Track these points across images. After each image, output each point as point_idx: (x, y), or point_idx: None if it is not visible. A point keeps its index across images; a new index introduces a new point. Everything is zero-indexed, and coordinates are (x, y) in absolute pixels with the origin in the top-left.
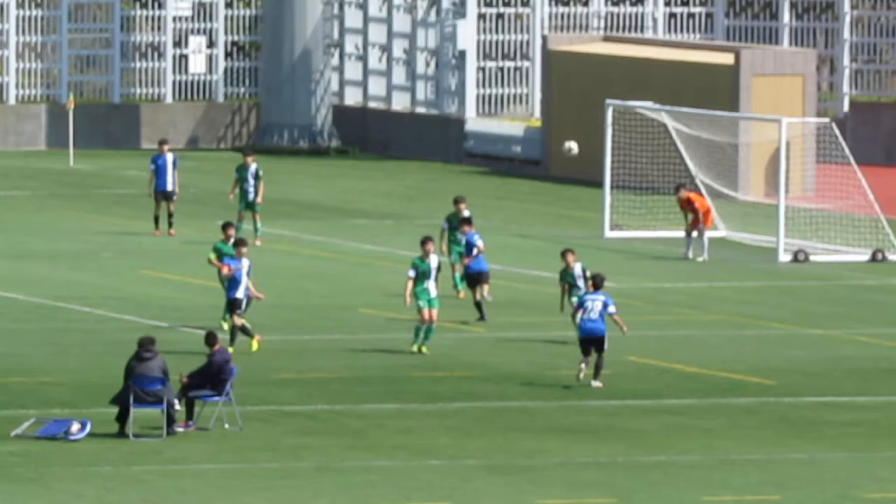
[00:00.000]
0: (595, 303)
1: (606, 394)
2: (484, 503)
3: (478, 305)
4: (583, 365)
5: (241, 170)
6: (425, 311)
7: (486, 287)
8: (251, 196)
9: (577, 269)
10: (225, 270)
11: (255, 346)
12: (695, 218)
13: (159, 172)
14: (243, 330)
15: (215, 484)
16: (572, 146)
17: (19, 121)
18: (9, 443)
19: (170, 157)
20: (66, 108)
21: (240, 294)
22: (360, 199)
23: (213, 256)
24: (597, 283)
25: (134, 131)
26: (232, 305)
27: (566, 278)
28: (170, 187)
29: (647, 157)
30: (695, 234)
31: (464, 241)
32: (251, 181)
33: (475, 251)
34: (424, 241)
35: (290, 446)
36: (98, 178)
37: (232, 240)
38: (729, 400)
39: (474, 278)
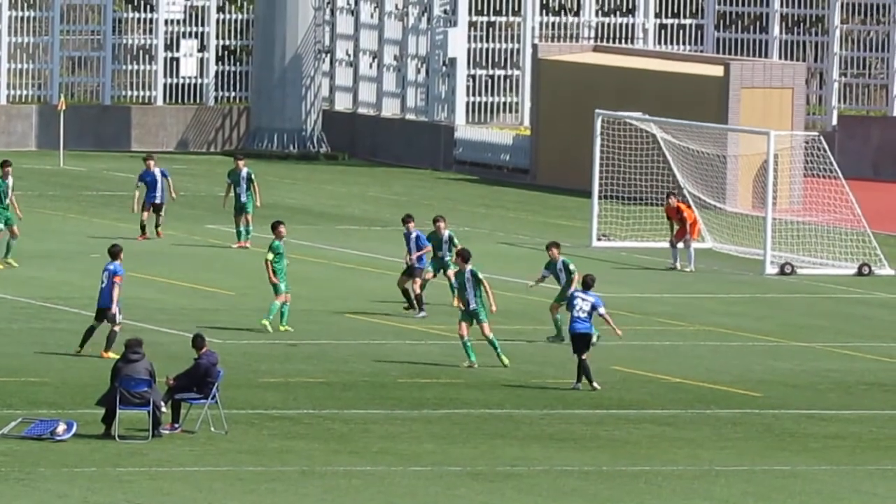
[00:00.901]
0: (584, 302)
1: (591, 403)
2: None
3: (406, 293)
4: (579, 385)
5: (233, 174)
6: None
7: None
8: (243, 199)
9: (560, 263)
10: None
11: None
12: (681, 228)
13: (150, 187)
14: None
15: (200, 486)
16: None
17: (10, 121)
18: None
19: (157, 171)
20: (56, 108)
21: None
22: (349, 205)
23: (270, 257)
24: (587, 283)
25: (124, 133)
26: None
27: (549, 268)
28: (159, 200)
29: (636, 168)
30: (681, 244)
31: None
32: (243, 185)
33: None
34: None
35: (275, 450)
36: (88, 180)
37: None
38: (713, 411)
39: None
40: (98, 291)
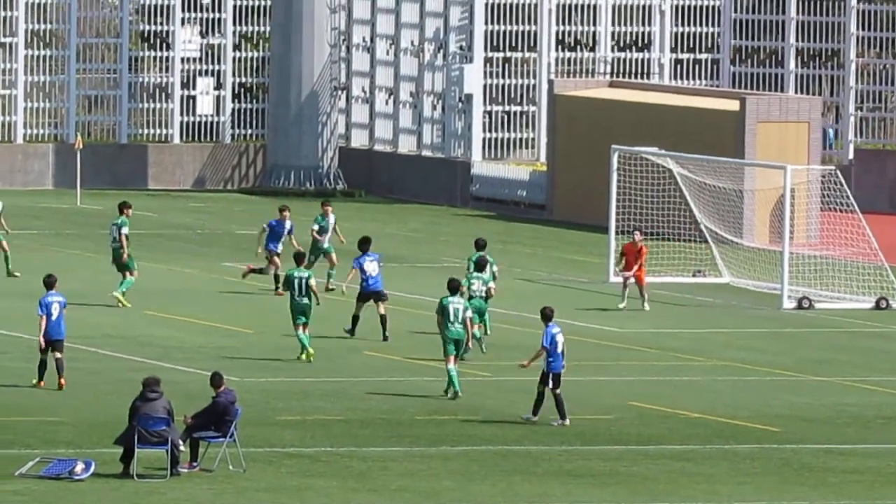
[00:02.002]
0: (559, 335)
1: (610, 439)
2: None
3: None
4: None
5: (321, 219)
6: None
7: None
8: (325, 245)
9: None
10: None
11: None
12: (639, 266)
13: (275, 237)
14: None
15: None
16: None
17: (27, 160)
18: (13, 482)
19: (289, 224)
20: (73, 147)
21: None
22: None
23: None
24: (548, 316)
25: (141, 171)
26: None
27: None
28: (280, 250)
29: (652, 203)
30: (632, 280)
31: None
32: (329, 232)
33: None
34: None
35: (294, 488)
36: (104, 218)
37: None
38: (732, 446)
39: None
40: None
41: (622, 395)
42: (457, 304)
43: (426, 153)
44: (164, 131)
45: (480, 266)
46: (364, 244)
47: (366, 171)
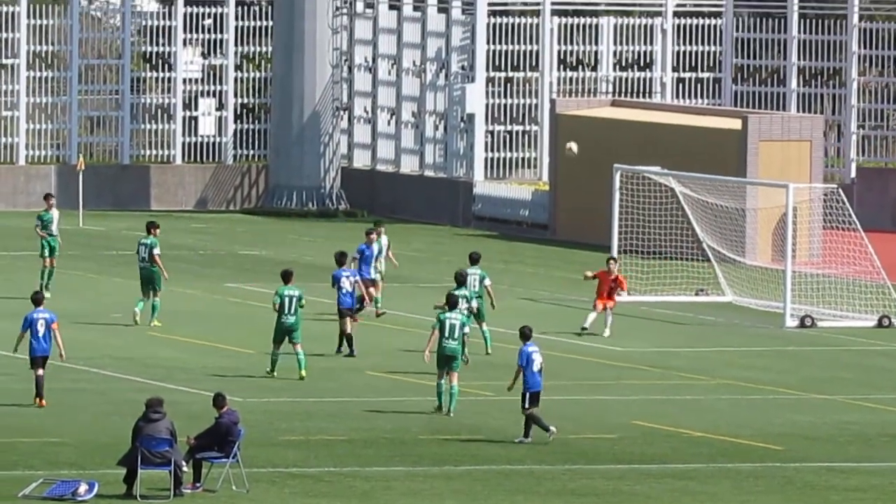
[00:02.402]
0: (535, 354)
1: (613, 458)
2: None
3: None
4: (553, 429)
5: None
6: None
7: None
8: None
9: None
10: None
11: None
12: (612, 293)
13: (365, 262)
14: None
15: None
16: (573, 146)
17: (29, 181)
18: (17, 503)
19: (385, 240)
20: (75, 168)
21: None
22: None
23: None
24: (526, 335)
25: (143, 192)
26: None
27: None
28: (372, 275)
29: (655, 222)
30: (610, 306)
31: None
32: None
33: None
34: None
35: None
36: (107, 239)
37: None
38: (735, 464)
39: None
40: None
41: (625, 414)
42: (454, 319)
43: (428, 173)
44: (167, 152)
45: (459, 282)
46: (341, 258)
47: (368, 191)
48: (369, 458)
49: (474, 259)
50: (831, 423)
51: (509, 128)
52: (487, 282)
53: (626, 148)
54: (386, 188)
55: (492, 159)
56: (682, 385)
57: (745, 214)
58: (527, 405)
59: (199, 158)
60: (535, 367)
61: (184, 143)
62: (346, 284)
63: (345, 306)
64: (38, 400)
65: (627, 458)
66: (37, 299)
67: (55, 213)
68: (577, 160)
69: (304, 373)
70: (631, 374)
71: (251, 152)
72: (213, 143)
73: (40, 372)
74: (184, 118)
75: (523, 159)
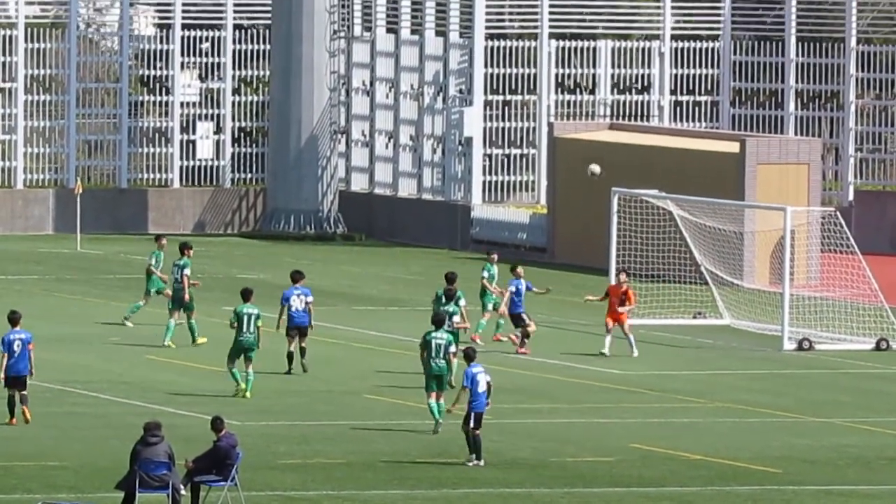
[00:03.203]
0: (480, 375)
1: (611, 481)
2: None
3: (290, 357)
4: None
5: (490, 266)
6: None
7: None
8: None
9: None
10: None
11: None
12: (618, 309)
13: (517, 300)
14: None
15: None
16: (595, 168)
17: (27, 205)
18: None
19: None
20: (73, 192)
21: None
22: (366, 286)
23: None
24: (470, 356)
25: (141, 216)
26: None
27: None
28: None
29: (653, 245)
30: (622, 321)
31: None
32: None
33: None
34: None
35: None
36: (105, 263)
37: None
38: (733, 487)
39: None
40: None
41: (623, 437)
42: (440, 339)
43: (426, 196)
44: (164, 176)
45: (449, 297)
46: (294, 277)
47: (366, 214)
48: (368, 481)
49: (450, 279)
50: (830, 447)
51: (507, 151)
52: (462, 302)
53: (624, 171)
54: (384, 212)
55: (490, 182)
56: (680, 408)
57: (743, 237)
58: (472, 425)
59: (196, 182)
60: (480, 388)
61: (181, 167)
62: (297, 302)
63: (292, 325)
64: (11, 420)
65: (625, 481)
66: (13, 319)
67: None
68: (575, 183)
69: (248, 394)
70: (629, 397)
71: (249, 176)
72: (211, 167)
73: (23, 392)
74: (181, 142)
75: (521, 182)
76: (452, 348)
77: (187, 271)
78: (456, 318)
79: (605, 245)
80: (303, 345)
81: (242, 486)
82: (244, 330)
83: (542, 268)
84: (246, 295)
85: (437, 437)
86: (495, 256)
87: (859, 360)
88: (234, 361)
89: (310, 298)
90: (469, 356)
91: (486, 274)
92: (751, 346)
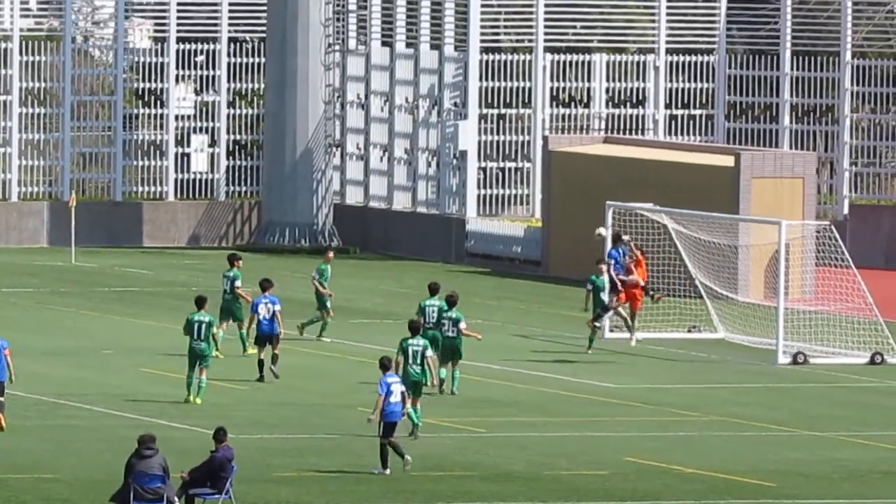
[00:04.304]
0: (395, 385)
1: (605, 494)
2: None
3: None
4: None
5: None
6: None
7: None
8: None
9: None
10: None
11: None
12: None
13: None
14: None
15: None
16: (602, 231)
17: (21, 218)
18: None
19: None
20: (68, 205)
21: None
22: (361, 299)
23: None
24: (386, 366)
25: (136, 229)
26: None
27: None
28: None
29: (647, 259)
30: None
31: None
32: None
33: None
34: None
35: None
36: (99, 276)
37: None
38: (727, 501)
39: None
40: None
41: (618, 451)
42: (416, 346)
43: (421, 210)
44: (159, 189)
45: (451, 303)
46: (263, 285)
47: (361, 227)
48: (361, 494)
49: (433, 290)
50: (824, 460)
51: (502, 164)
52: (463, 325)
53: (619, 185)
54: (378, 225)
55: (484, 196)
56: (674, 421)
57: (738, 251)
58: (381, 433)
59: (191, 195)
60: (394, 398)
61: (176, 180)
62: (263, 311)
63: (260, 333)
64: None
65: (619, 495)
66: None
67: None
68: (570, 196)
69: (198, 400)
70: (623, 411)
71: (244, 189)
72: (206, 180)
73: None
74: (176, 154)
75: (516, 196)
76: (429, 352)
77: (238, 282)
78: (462, 325)
79: (599, 259)
80: (275, 352)
81: (237, 499)
82: (196, 337)
83: (537, 281)
84: (199, 302)
85: (431, 450)
86: (331, 255)
87: (854, 374)
88: (193, 370)
89: (277, 307)
90: (384, 366)
91: (315, 274)
92: (745, 360)
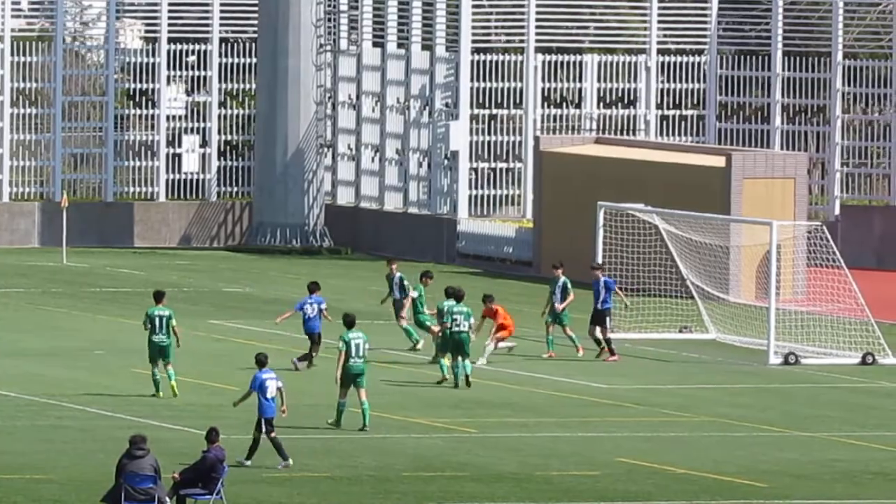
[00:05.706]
0: (270, 381)
1: (596, 495)
2: None
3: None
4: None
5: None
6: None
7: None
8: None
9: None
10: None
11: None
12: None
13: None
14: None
15: None
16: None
17: (13, 218)
18: None
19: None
20: (59, 205)
21: None
22: (352, 299)
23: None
24: (262, 362)
25: (127, 229)
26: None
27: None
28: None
29: (639, 259)
30: (503, 343)
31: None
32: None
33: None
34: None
35: None
36: (91, 276)
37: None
38: (719, 502)
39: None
40: None
41: (609, 452)
42: (357, 338)
43: (412, 210)
44: (150, 189)
45: (458, 298)
46: (310, 287)
47: (352, 228)
48: (353, 495)
49: (450, 293)
50: (816, 461)
51: (493, 165)
52: (473, 321)
53: (610, 185)
54: (370, 225)
55: (476, 196)
56: (665, 422)
57: (729, 252)
58: (264, 429)
59: (182, 195)
60: (269, 394)
61: (167, 180)
62: (309, 310)
63: (308, 331)
64: None
65: (611, 495)
66: None
67: (397, 275)
68: (561, 197)
69: (162, 394)
70: (615, 412)
71: (235, 189)
72: (197, 180)
73: None
74: (167, 155)
75: (507, 196)
76: (365, 345)
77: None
78: (472, 321)
79: (590, 259)
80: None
81: (228, 500)
82: (157, 332)
83: (528, 282)
84: (158, 297)
85: (423, 450)
86: (430, 281)
87: (845, 374)
88: (156, 365)
89: (323, 306)
90: (260, 362)
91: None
92: (737, 361)
